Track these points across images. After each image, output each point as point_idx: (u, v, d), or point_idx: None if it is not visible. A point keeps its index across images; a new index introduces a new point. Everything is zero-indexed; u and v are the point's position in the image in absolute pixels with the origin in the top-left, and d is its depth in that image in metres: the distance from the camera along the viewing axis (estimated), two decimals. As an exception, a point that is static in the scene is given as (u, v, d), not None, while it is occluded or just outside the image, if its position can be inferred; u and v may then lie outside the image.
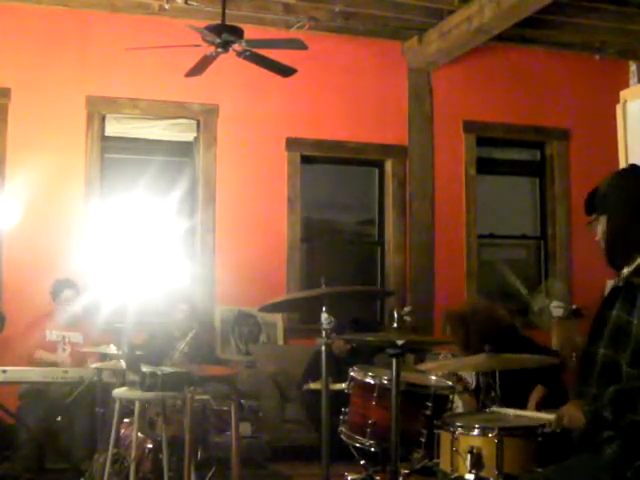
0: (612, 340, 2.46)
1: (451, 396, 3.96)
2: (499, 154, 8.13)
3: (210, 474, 4.31)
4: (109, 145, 6.91)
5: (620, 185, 2.63)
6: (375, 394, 3.86)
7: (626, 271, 2.51)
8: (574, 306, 6.50)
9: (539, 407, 3.91)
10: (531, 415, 3.30)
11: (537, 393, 4.14)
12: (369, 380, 3.94)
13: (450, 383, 4.02)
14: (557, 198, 7.89)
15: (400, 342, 3.14)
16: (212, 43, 5.52)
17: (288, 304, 4.49)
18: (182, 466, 3.97)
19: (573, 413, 2.49)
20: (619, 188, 2.62)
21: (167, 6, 6.56)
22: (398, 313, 3.30)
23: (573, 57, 7.85)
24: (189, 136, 7.12)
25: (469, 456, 3.04)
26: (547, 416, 2.87)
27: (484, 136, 7.77)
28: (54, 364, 5.70)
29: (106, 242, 6.57)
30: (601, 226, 2.62)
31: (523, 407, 3.79)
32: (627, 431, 2.37)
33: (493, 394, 3.71)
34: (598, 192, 2.66)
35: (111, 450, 4.27)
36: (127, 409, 4.34)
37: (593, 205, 2.67)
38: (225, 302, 6.91)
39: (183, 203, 6.95)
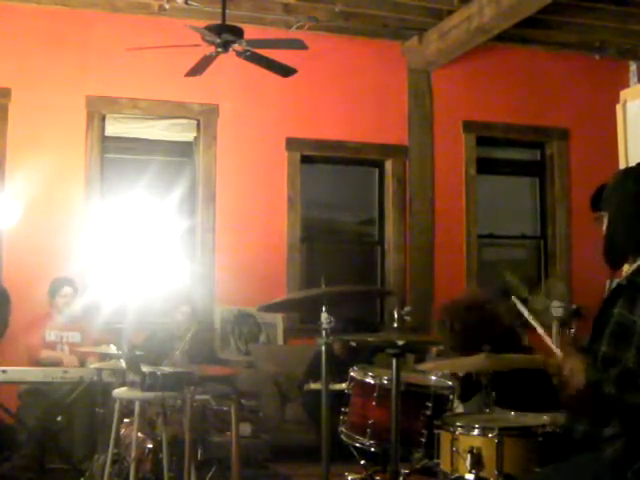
0: (613, 338, 2.44)
1: (451, 396, 3.95)
2: (499, 154, 8.13)
3: (210, 474, 4.31)
4: (109, 145, 6.90)
5: (624, 183, 2.60)
6: (375, 394, 3.86)
7: (629, 269, 2.50)
8: (574, 306, 6.50)
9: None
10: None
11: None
12: (369, 380, 3.93)
13: (450, 383, 4.01)
14: (557, 198, 7.89)
15: (400, 342, 3.14)
16: (212, 43, 5.51)
17: (288, 304, 4.50)
18: (182, 466, 3.97)
19: (577, 368, 2.42)
20: (622, 186, 2.60)
21: (167, 6, 6.57)
22: (398, 313, 3.30)
23: (573, 57, 7.85)
24: (189, 136, 7.12)
25: (469, 456, 3.03)
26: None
27: (484, 136, 7.77)
28: (59, 363, 5.70)
29: (106, 242, 6.57)
30: (604, 223, 2.61)
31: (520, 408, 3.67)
32: (625, 413, 2.35)
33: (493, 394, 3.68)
34: (604, 189, 2.64)
35: (111, 450, 4.27)
36: (127, 409, 4.34)
37: (599, 202, 2.64)
38: (225, 302, 6.91)
39: (183, 203, 6.94)
